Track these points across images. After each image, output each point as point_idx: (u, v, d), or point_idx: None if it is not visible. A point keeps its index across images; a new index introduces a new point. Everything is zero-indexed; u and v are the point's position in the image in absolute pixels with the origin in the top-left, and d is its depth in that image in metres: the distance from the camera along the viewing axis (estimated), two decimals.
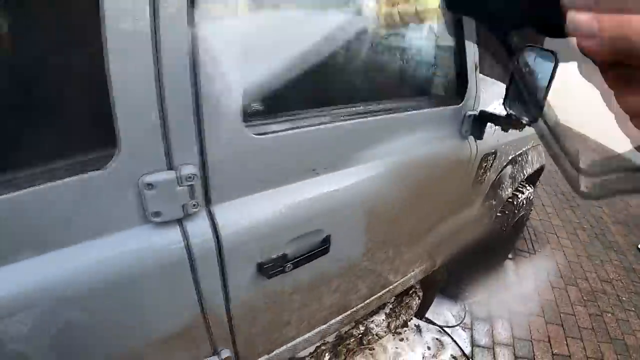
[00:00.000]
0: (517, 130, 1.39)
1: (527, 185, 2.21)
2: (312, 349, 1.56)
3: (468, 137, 1.46)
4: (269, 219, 0.92)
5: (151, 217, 0.77)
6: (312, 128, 0.95)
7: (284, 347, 1.29)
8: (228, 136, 0.81)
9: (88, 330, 0.83)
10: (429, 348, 2.15)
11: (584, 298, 2.86)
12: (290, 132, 0.91)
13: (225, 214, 0.87)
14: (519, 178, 2.03)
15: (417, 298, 1.94)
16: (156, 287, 0.84)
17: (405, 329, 2.18)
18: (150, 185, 0.74)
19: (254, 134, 0.84)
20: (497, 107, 1.48)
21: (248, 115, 0.84)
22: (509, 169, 1.92)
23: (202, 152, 0.79)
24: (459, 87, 1.36)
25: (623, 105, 0.25)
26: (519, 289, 2.79)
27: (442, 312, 2.40)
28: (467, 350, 2.20)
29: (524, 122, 1.26)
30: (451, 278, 2.24)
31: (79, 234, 0.74)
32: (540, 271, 3.03)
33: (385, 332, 1.78)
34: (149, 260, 0.80)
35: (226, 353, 1.08)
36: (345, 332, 1.66)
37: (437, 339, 2.23)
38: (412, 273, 1.69)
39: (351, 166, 1.08)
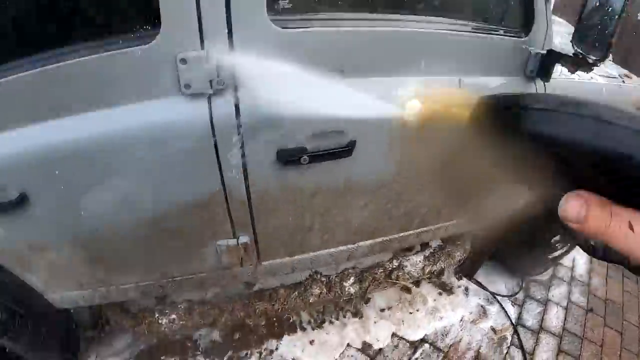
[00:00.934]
0: (585, 72, 1.25)
1: None
2: (339, 269, 1.62)
3: (534, 79, 1.34)
4: (292, 109, 0.98)
5: (183, 88, 0.90)
6: (345, 29, 0.98)
7: (307, 255, 1.36)
8: (253, 26, 0.88)
9: (126, 179, 0.99)
10: (470, 313, 2.08)
11: None
12: (318, 29, 0.95)
13: (250, 98, 0.95)
14: None
15: (463, 252, 1.86)
16: (184, 153, 0.97)
17: (449, 283, 2.14)
18: (183, 61, 0.87)
19: (281, 27, 0.90)
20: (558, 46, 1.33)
21: (274, 9, 0.91)
22: None
23: (230, 35, 0.88)
24: (524, 18, 1.24)
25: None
26: (587, 281, 2.51)
27: (496, 280, 2.28)
28: (511, 328, 2.08)
29: (590, 61, 1.15)
30: (512, 249, 2.11)
31: (127, 97, 0.91)
32: (617, 268, 2.66)
33: (419, 275, 1.76)
34: (180, 126, 0.95)
35: (245, 238, 1.19)
36: (379, 262, 1.68)
37: (482, 306, 2.14)
38: (456, 222, 1.63)
39: (383, 76, 1.06)
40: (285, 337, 1.87)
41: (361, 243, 1.45)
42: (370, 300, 2.04)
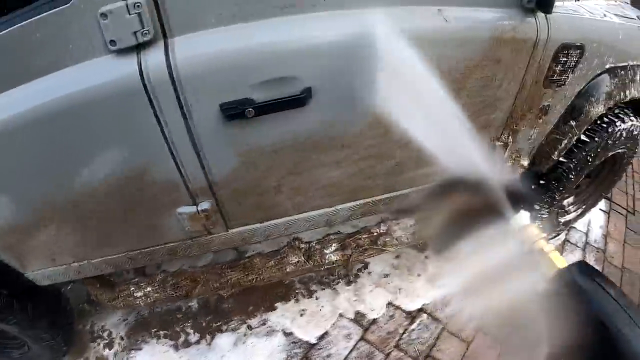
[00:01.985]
0: None
1: (630, 113, 1.74)
2: (320, 235, 1.52)
3: (534, 11, 1.16)
4: (231, 56, 0.88)
5: (109, 45, 0.82)
6: None
7: (280, 220, 1.25)
8: None
9: (73, 151, 0.91)
10: None
11: None
12: None
13: (184, 47, 0.86)
14: (618, 98, 1.60)
15: None
16: (121, 116, 0.90)
17: None
18: (104, 15, 0.79)
19: None
20: None
21: None
22: (604, 79, 1.52)
23: None
24: None
25: None
26: (602, 248, 2.32)
27: None
28: None
29: None
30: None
31: (59, 63, 0.84)
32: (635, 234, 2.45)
33: (408, 240, 1.63)
34: (111, 87, 0.86)
35: (205, 205, 1.09)
36: (364, 227, 1.56)
37: None
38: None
39: (346, 7, 0.92)
40: (276, 307, 1.80)
41: (340, 206, 1.32)
42: (367, 267, 1.94)
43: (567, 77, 1.36)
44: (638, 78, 1.66)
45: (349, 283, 1.89)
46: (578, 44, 1.30)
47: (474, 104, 1.24)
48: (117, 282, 1.52)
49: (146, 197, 1.06)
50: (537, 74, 1.28)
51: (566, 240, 2.26)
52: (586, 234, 2.34)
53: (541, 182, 1.78)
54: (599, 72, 1.48)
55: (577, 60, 1.34)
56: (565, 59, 1.31)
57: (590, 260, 2.21)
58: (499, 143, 1.43)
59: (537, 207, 1.82)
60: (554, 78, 1.34)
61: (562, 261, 0.47)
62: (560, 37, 1.25)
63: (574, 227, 2.32)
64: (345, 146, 1.12)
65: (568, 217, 2.10)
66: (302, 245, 1.51)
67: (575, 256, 2.20)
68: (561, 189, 1.77)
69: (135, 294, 1.45)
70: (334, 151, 1.12)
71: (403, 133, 1.13)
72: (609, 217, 2.50)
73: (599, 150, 1.72)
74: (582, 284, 0.39)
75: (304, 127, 1.03)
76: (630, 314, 0.33)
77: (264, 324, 1.75)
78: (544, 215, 1.92)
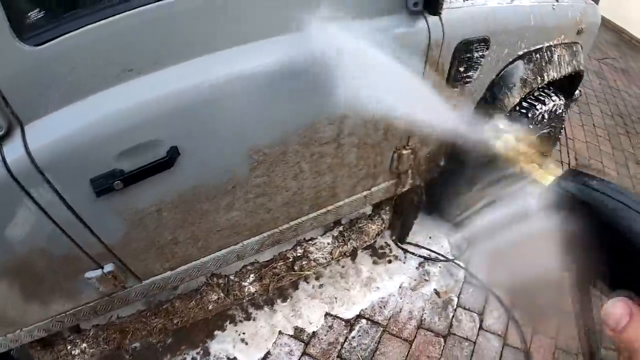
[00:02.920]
0: None
1: (552, 94, 1.66)
2: (237, 267, 1.41)
3: (423, 13, 1.05)
4: (83, 133, 0.82)
5: None
6: (116, 18, 0.76)
7: (189, 265, 1.19)
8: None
9: None
10: (410, 278, 1.88)
11: None
12: (79, 32, 0.74)
13: (35, 134, 0.80)
14: (535, 83, 1.51)
15: (381, 222, 1.64)
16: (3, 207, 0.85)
17: (383, 249, 1.93)
18: None
19: (34, 45, 0.73)
20: None
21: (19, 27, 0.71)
22: (518, 66, 1.42)
23: None
24: None
25: None
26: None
27: (437, 237, 2.06)
28: (456, 288, 1.90)
29: None
30: (445, 198, 1.86)
31: None
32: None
33: (327, 260, 1.55)
34: None
35: (110, 267, 1.05)
36: (280, 253, 1.46)
37: (422, 268, 1.94)
38: (364, 194, 1.40)
39: (203, 54, 0.86)
40: (216, 335, 1.69)
41: (246, 242, 1.24)
42: (300, 280, 1.85)
43: (474, 72, 1.25)
44: (556, 58, 1.58)
45: (284, 299, 1.79)
46: (481, 37, 1.18)
47: (370, 119, 1.14)
48: (55, 340, 1.43)
49: (54, 268, 1.02)
50: (438, 76, 1.17)
51: None
52: None
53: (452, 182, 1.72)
54: (511, 60, 1.37)
55: (482, 54, 1.23)
56: (468, 55, 1.20)
57: None
58: (406, 151, 1.33)
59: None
60: (459, 76, 1.23)
61: (548, 176, 0.42)
62: (458, 34, 1.14)
63: None
64: (233, 189, 1.05)
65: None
66: (221, 281, 1.40)
67: None
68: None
69: (72, 352, 1.37)
70: (222, 196, 1.05)
71: (290, 166, 1.04)
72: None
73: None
74: (577, 193, 0.36)
75: (181, 184, 0.97)
76: (637, 209, 0.31)
77: (207, 353, 1.65)
78: None
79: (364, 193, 1.41)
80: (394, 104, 1.11)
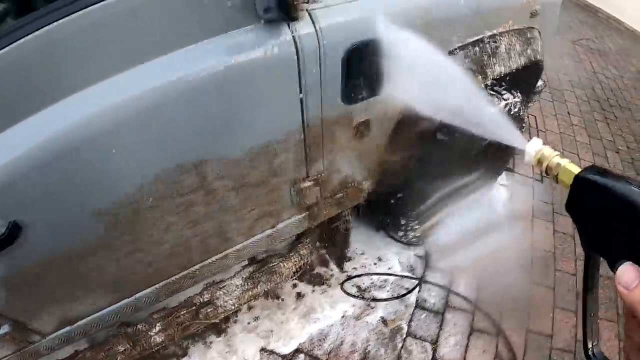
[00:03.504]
0: None
1: (503, 92, 1.42)
2: (143, 316, 1.21)
3: (279, 21, 0.83)
4: None
5: None
6: None
7: (87, 319, 1.05)
8: None
9: None
10: (353, 306, 1.66)
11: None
12: None
13: None
14: (477, 82, 1.28)
15: (299, 258, 1.41)
16: None
17: (324, 275, 1.71)
18: None
19: None
20: None
21: None
22: None
23: None
24: None
25: (627, 330, 0.36)
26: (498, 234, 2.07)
27: (388, 257, 1.85)
28: (407, 314, 1.68)
29: None
30: (392, 212, 1.63)
31: None
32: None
33: (235, 305, 1.32)
34: None
35: (5, 329, 0.94)
36: (188, 298, 1.25)
37: (369, 293, 1.72)
38: (266, 233, 1.19)
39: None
40: None
41: (138, 295, 1.07)
42: (237, 313, 1.63)
43: (379, 80, 1.01)
44: (503, 49, 1.34)
45: (219, 333, 1.57)
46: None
47: (249, 161, 0.95)
48: None
49: None
50: (323, 93, 0.94)
51: None
52: None
53: (394, 202, 1.50)
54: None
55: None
56: (367, 62, 0.96)
57: None
58: (306, 183, 1.11)
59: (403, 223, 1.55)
60: (358, 89, 1.00)
61: (575, 168, 0.43)
62: (346, 39, 0.90)
63: None
64: (97, 251, 0.90)
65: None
66: (128, 330, 1.18)
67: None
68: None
69: None
70: (91, 257, 0.91)
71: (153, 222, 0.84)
72: (511, 194, 2.22)
73: (464, 149, 1.41)
74: (600, 181, 0.38)
75: (32, 256, 0.83)
76: None
77: None
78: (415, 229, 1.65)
79: (267, 232, 1.21)
80: (263, 134, 0.90)
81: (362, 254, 1.82)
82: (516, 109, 1.48)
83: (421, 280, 1.76)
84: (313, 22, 0.86)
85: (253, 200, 1.05)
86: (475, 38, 1.21)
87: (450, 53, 1.15)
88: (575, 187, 0.41)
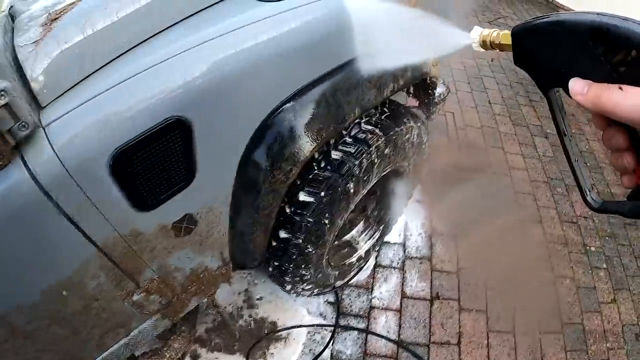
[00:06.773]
0: None
1: (367, 126, 1.23)
2: None
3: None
4: None
5: None
6: None
7: None
8: None
9: None
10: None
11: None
12: None
13: None
14: (333, 126, 1.07)
15: (173, 353, 1.22)
16: None
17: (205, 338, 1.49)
18: None
19: None
20: None
21: None
22: (285, 115, 0.95)
23: None
24: None
25: (605, 141, 0.40)
26: (426, 255, 1.90)
27: (288, 308, 1.62)
28: None
29: None
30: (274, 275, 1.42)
31: None
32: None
33: None
34: None
35: None
36: None
37: (263, 352, 1.51)
38: (121, 343, 1.04)
39: None
40: None
41: None
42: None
43: (184, 168, 0.80)
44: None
45: None
46: (161, 125, 0.73)
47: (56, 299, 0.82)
48: None
49: None
50: (105, 212, 0.73)
51: (378, 266, 1.82)
52: (403, 245, 1.90)
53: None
54: (268, 112, 0.92)
55: (182, 138, 0.78)
56: (153, 157, 0.75)
57: (414, 276, 1.80)
58: (139, 295, 0.92)
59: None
60: (152, 191, 0.80)
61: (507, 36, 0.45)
62: (107, 143, 0.69)
63: (387, 242, 1.88)
64: None
65: (365, 247, 1.66)
66: None
67: (390, 284, 1.76)
68: (301, 260, 1.28)
69: None
70: None
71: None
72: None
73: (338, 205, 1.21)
74: (530, 24, 0.41)
75: None
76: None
77: None
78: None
79: (123, 341, 1.04)
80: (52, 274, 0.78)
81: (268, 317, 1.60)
82: (401, 141, 1.30)
83: (336, 327, 1.57)
84: (50, 143, 0.64)
85: (88, 322, 0.91)
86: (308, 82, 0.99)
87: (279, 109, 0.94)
88: (515, 41, 0.43)
